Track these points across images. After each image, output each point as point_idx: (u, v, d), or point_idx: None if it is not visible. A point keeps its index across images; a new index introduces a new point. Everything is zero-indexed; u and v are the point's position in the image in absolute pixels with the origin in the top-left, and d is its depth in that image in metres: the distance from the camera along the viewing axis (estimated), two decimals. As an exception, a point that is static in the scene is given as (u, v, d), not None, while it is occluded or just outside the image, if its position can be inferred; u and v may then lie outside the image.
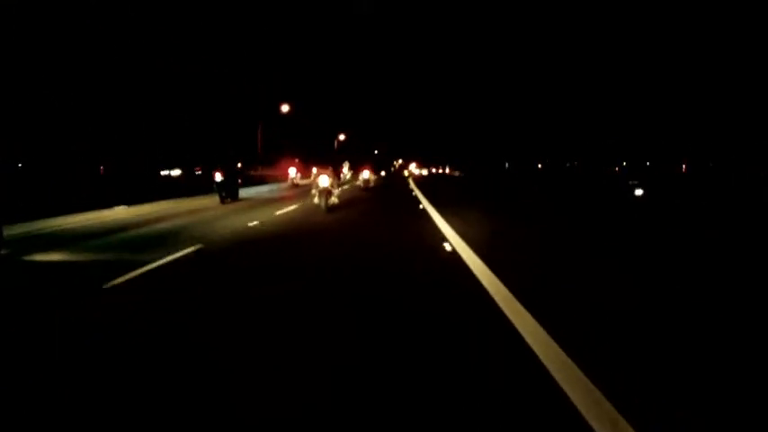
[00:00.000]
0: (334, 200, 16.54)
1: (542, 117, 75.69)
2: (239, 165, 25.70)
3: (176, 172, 48.57)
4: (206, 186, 26.24)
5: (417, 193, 24.15)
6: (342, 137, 69.36)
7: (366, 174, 33.03)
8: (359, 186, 32.28)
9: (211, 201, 20.18)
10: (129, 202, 19.27)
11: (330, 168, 16.30)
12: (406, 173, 79.84)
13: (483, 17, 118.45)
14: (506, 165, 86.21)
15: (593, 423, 2.79)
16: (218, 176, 19.64)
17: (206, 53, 50.74)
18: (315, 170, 16.66)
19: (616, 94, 61.46)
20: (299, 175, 34.14)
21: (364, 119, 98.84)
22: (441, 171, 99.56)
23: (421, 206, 17.05)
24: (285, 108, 48.77)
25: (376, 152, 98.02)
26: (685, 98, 53.27)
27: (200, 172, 47.49)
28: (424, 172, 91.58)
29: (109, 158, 38.47)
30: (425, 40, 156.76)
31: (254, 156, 47.66)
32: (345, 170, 41.60)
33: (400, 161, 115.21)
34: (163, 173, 47.59)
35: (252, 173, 40.94)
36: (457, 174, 79.51)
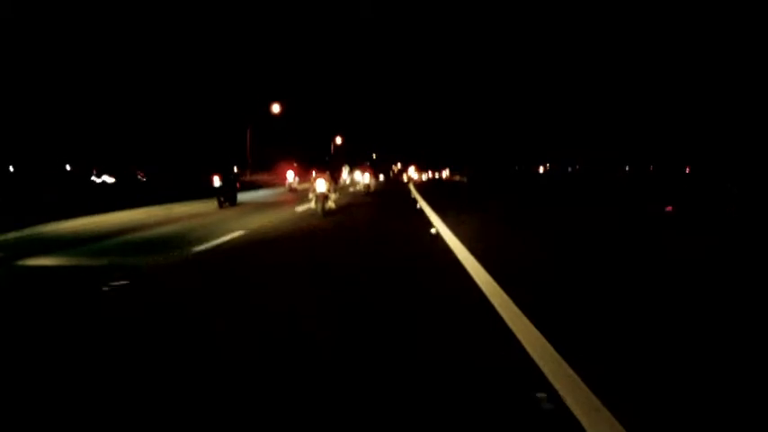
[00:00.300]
0: (330, 204, 16.23)
1: (543, 120, 74.85)
2: (236, 169, 24.94)
3: (110, 179, 43.52)
4: (149, 195, 23.24)
5: (422, 204, 19.90)
6: (339, 140, 68.58)
7: (367, 178, 32.01)
8: (358, 191, 31.20)
9: (196, 208, 19.12)
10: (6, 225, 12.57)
11: (327, 173, 16.07)
12: (405, 177, 77.32)
13: (484, 18, 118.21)
14: (516, 168, 79.93)
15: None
16: (217, 181, 19.50)
17: (197, 53, 49.65)
18: (314, 174, 16.45)
19: (618, 95, 60.88)
20: (296, 179, 33.14)
21: (363, 122, 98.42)
22: (439, 176, 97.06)
23: (434, 230, 11.76)
24: (276, 109, 47.09)
25: (374, 156, 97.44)
26: (687, 102, 52.66)
27: (144, 179, 44.74)
28: (424, 177, 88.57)
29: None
30: (424, 41, 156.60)
31: (244, 160, 46.13)
32: (345, 174, 40.66)
33: (399, 165, 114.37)
34: (99, 179, 43.10)
35: (241, 178, 39.52)
36: (458, 178, 74.46)
